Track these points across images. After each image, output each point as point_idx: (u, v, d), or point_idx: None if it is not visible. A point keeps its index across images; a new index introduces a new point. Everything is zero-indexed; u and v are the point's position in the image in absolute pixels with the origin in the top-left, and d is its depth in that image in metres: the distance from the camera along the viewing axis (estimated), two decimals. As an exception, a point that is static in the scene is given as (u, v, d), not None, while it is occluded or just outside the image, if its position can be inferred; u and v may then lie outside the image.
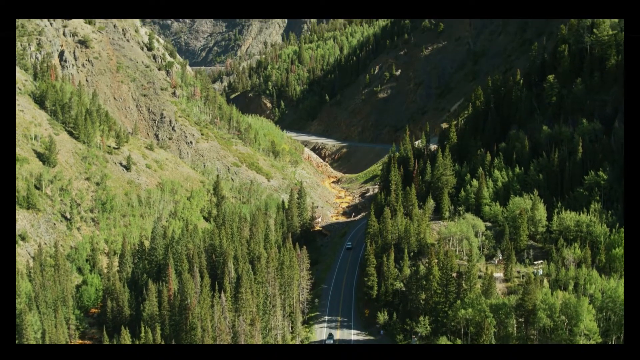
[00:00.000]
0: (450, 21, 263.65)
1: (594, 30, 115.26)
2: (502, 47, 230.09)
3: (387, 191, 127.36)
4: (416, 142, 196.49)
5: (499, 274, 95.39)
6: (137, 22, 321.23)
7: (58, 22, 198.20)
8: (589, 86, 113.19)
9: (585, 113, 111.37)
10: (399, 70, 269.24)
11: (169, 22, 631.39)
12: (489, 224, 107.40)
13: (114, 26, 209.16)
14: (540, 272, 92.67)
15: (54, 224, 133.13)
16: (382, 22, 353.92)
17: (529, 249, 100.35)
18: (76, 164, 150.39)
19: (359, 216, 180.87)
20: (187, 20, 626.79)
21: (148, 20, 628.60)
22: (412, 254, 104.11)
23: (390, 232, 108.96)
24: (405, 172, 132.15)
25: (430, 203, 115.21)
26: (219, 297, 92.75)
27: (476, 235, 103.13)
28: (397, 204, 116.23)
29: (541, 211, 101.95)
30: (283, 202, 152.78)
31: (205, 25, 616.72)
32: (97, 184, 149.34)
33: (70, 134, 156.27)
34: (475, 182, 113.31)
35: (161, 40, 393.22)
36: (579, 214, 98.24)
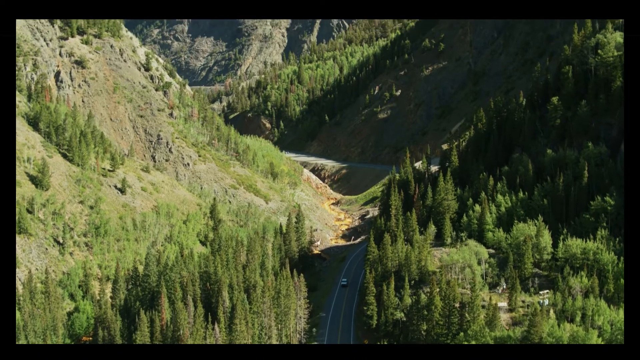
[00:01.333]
0: (451, 41, 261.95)
1: (599, 51, 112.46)
2: (503, 67, 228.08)
3: (387, 216, 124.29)
4: (417, 164, 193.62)
5: (503, 304, 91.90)
6: (136, 42, 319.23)
7: (54, 42, 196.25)
8: (594, 108, 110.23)
9: (591, 136, 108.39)
10: (399, 91, 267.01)
11: (169, 41, 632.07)
12: (492, 250, 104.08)
13: (111, 46, 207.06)
14: (546, 302, 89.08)
15: (46, 248, 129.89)
16: (382, 42, 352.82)
17: (533, 277, 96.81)
18: (70, 187, 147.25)
19: (359, 239, 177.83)
20: (187, 40, 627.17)
21: (149, 39, 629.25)
22: (413, 282, 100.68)
23: (391, 259, 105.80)
24: (405, 196, 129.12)
25: (432, 229, 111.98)
26: (212, 329, 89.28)
27: (479, 263, 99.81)
28: (397, 229, 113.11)
29: (546, 238, 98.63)
30: (281, 226, 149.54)
31: (206, 45, 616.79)
32: (91, 207, 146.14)
33: (64, 156, 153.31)
34: (477, 208, 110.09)
35: (160, 60, 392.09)
36: (586, 241, 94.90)
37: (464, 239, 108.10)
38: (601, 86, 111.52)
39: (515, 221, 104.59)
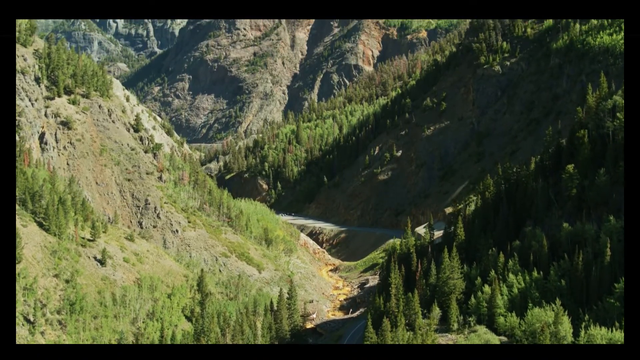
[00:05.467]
0: (453, 100, 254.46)
1: (617, 114, 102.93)
2: (508, 127, 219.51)
3: (386, 294, 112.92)
4: (419, 228, 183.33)
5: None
6: (133, 99, 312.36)
7: (40, 102, 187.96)
8: (613, 177, 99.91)
9: (611, 208, 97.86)
10: (400, 151, 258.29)
11: (169, 99, 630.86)
12: (504, 338, 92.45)
13: (99, 106, 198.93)
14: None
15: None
16: (382, 100, 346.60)
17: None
18: (44, 259, 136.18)
19: (357, 312, 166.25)
20: (188, 97, 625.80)
21: (149, 96, 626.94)
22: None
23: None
24: (407, 272, 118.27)
25: (436, 311, 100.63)
26: None
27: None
28: (397, 311, 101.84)
29: (566, 326, 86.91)
30: (272, 303, 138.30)
31: (206, 102, 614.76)
32: (67, 281, 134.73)
33: (40, 225, 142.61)
34: (487, 288, 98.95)
35: (158, 118, 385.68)
36: (611, 330, 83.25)
37: (472, 324, 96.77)
38: (620, 152, 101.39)
39: (530, 305, 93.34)
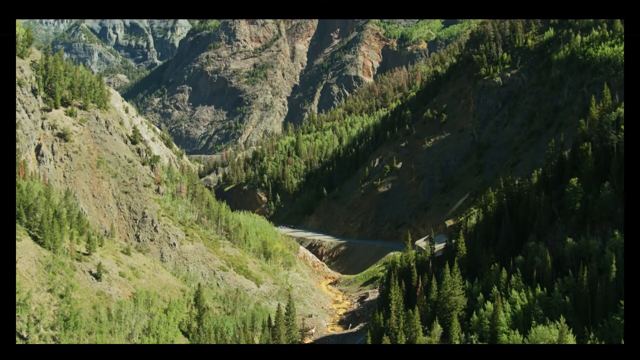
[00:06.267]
0: (453, 111, 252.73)
1: (622, 126, 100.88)
2: (509, 138, 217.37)
3: (386, 311, 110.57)
4: (419, 241, 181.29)
5: None
6: (132, 111, 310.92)
7: (37, 114, 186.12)
8: (618, 191, 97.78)
9: (616, 223, 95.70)
10: (400, 163, 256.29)
11: (169, 110, 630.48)
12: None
13: (97, 118, 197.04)
14: None
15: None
16: (382, 112, 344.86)
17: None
18: (38, 273, 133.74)
19: (357, 327, 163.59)
20: (188, 109, 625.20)
21: (149, 108, 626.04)
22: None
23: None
24: (407, 287, 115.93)
25: (437, 329, 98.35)
26: None
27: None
28: (397, 328, 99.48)
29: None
30: (269, 319, 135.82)
31: (206, 114, 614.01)
32: (61, 296, 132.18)
33: (35, 239, 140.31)
34: (489, 305, 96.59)
35: (158, 130, 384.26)
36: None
37: (474, 341, 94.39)
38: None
39: (534, 322, 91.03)
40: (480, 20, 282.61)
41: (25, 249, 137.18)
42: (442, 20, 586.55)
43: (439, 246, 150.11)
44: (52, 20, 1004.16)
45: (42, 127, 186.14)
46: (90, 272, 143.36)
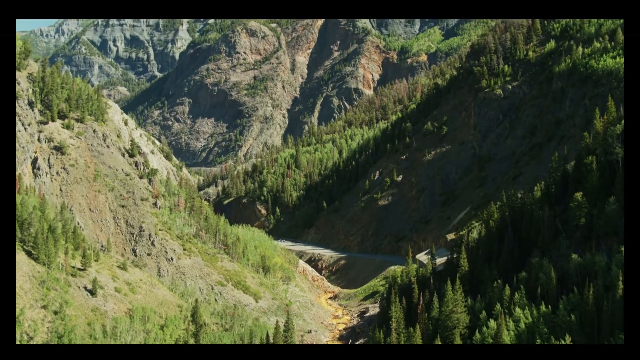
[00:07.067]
0: (454, 124, 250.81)
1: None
2: (510, 151, 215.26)
3: (386, 328, 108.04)
4: (420, 255, 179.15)
5: None
6: (132, 123, 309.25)
7: (33, 127, 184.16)
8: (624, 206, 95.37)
9: (622, 239, 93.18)
10: (401, 176, 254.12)
11: (169, 122, 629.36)
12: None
13: (94, 131, 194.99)
14: None
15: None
16: (382, 124, 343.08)
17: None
18: (32, 289, 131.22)
19: (357, 343, 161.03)
20: (188, 121, 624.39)
21: (149, 120, 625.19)
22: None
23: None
24: (408, 303, 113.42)
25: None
26: None
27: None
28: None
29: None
30: (267, 336, 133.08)
31: (206, 126, 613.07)
32: (55, 312, 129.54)
33: (29, 254, 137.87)
34: (492, 323, 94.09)
35: (157, 142, 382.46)
36: (625, 369, 78.54)
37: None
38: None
39: (538, 340, 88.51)
40: (480, 32, 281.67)
41: (19, 264, 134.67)
42: (442, 32, 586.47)
43: (440, 260, 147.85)
44: (52, 33, 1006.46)
45: (39, 140, 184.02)
46: (85, 287, 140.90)
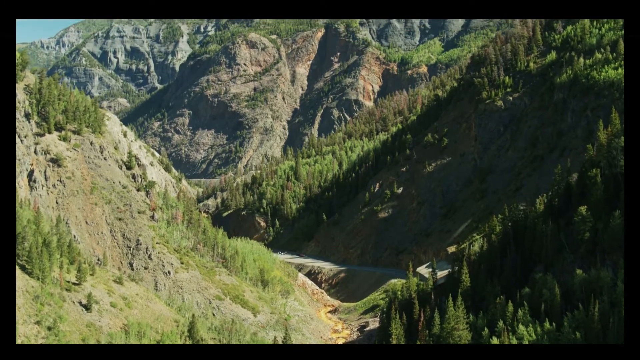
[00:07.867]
0: (455, 136, 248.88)
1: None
2: (511, 163, 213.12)
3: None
4: (420, 268, 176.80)
5: None
6: (130, 135, 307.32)
7: (30, 139, 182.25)
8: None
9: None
10: (401, 188, 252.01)
11: (169, 134, 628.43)
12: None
13: (91, 143, 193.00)
14: None
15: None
16: (382, 136, 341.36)
17: None
18: (26, 304, 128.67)
19: None
20: (188, 133, 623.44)
21: (149, 132, 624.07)
22: None
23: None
24: (408, 319, 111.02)
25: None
26: None
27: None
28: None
29: (582, 383, 79.85)
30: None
31: (206, 138, 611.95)
32: (49, 328, 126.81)
33: (23, 268, 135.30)
34: (495, 340, 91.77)
35: (157, 154, 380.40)
36: (632, 389, 76.19)
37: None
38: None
39: None
40: (481, 43, 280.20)
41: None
42: (442, 43, 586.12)
43: (441, 273, 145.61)
44: (53, 45, 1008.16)
45: (35, 152, 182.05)
46: (80, 302, 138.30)
